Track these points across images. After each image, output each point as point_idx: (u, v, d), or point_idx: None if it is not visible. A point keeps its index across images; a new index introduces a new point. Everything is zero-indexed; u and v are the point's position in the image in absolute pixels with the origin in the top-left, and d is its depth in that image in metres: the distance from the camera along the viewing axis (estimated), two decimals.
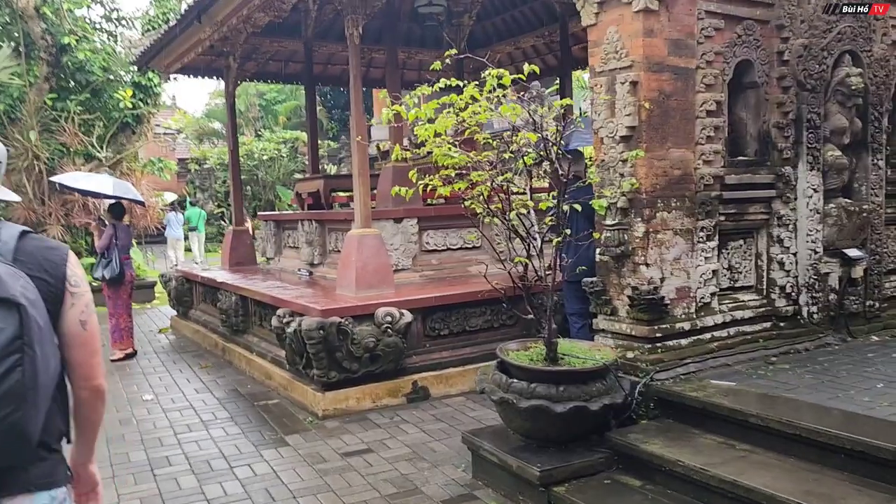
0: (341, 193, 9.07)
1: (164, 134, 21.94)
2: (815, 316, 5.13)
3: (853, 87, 5.12)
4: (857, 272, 5.29)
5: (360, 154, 6.73)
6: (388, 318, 5.88)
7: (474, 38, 10.69)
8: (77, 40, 12.79)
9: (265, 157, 23.36)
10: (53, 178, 9.58)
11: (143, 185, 13.53)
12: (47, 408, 1.70)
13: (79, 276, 1.84)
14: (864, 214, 5.35)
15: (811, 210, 5.09)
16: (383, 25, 9.22)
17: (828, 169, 5.17)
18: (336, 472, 4.61)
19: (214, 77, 10.71)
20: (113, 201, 8.51)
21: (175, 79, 10.16)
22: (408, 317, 5.96)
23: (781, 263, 5.02)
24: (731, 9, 4.72)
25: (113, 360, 8.18)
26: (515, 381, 4.10)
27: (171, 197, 17.18)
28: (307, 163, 23.74)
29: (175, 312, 10.51)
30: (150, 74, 13.21)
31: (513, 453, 4.08)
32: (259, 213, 13.52)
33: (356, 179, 6.69)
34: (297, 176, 23.85)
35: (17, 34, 12.60)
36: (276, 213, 14.19)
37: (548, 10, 10.02)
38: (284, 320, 6.08)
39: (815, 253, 5.13)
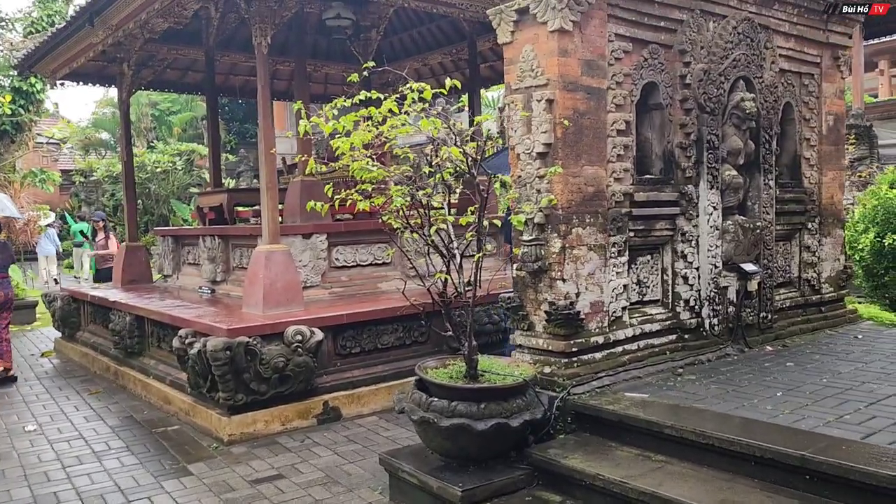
0: (245, 208, 8.75)
1: (47, 143, 20.52)
2: (716, 328, 5.36)
3: (747, 111, 5.41)
4: (753, 286, 5.58)
5: (269, 167, 6.51)
6: (299, 337, 5.68)
7: (381, 54, 10.61)
8: None
9: (159, 170, 22.26)
10: None
11: (24, 198, 12.59)
12: None
13: None
14: (758, 231, 5.65)
15: (711, 227, 5.32)
16: (289, 37, 9.05)
17: (725, 188, 5.44)
18: (245, 502, 4.37)
19: (106, 84, 10.10)
20: None
21: (62, 85, 9.48)
22: (319, 335, 5.78)
23: (685, 278, 5.22)
24: (638, 32, 4.89)
25: None
26: (436, 399, 4.03)
27: (48, 219, 15.96)
28: (204, 176, 22.93)
29: (60, 334, 9.78)
30: (33, 80, 12.34)
31: (433, 474, 4.00)
32: (155, 228, 12.84)
33: (264, 193, 6.46)
34: (193, 190, 22.90)
35: None
36: (175, 227, 13.55)
37: (456, 28, 10.13)
38: (187, 341, 5.76)
39: (716, 268, 5.36)
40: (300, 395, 5.84)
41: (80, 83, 9.75)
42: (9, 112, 12.32)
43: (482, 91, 15.43)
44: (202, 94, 11.08)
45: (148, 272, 9.74)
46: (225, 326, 5.57)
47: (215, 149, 10.28)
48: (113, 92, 29.50)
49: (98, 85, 10.05)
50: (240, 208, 8.77)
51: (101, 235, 10.62)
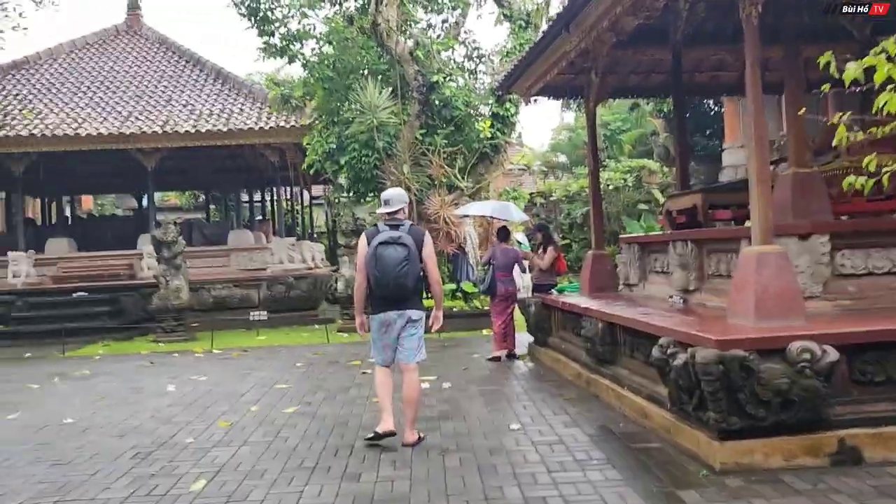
0: (722, 209, 7.91)
1: (518, 169, 22.83)
2: None
3: None
4: None
5: (760, 158, 5.60)
6: (806, 356, 4.63)
7: (880, 25, 8.72)
8: (444, 78, 13.69)
9: (610, 188, 22.84)
10: (462, 211, 12.35)
11: None
12: (415, 282, 5.71)
13: (428, 240, 5.86)
14: None
15: None
16: (769, 20, 7.95)
17: None
18: None
19: (574, 97, 10.43)
20: (500, 226, 10.49)
21: (535, 101, 10.07)
22: (832, 355, 4.64)
23: None
24: None
25: (488, 359, 9.75)
26: None
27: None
28: (653, 192, 22.65)
29: (532, 339, 10.30)
30: (507, 104, 13.58)
31: None
32: (620, 236, 12.86)
33: (754, 188, 5.57)
34: (642, 206, 22.85)
35: (393, 78, 13.94)
36: (640, 235, 13.34)
37: None
38: (668, 352, 5.20)
39: None
40: (806, 427, 4.77)
41: (550, 98, 10.22)
42: (489, 136, 13.76)
43: None
44: (664, 97, 10.69)
45: (613, 281, 9.62)
46: (714, 337, 4.84)
47: (683, 148, 9.64)
48: (568, 117, 31.34)
49: (566, 99, 10.43)
50: (719, 209, 7.94)
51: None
